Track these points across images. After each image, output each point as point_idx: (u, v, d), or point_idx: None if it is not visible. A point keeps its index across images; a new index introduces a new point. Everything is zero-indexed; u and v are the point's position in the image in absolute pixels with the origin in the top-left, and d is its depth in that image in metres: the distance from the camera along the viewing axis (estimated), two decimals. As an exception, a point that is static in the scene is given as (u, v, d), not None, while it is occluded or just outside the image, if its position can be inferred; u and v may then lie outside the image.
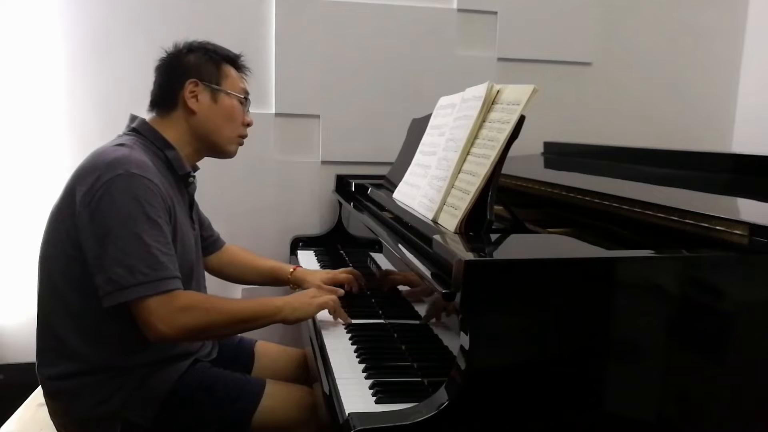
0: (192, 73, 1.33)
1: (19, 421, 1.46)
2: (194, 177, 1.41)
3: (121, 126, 1.37)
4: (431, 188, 1.28)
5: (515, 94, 1.12)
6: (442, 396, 0.86)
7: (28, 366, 1.38)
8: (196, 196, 1.47)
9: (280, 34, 2.18)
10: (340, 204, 2.18)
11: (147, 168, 1.20)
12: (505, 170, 1.13)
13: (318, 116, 2.26)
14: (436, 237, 1.05)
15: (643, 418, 0.95)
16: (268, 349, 1.63)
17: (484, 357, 0.86)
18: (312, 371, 1.35)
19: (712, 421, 0.98)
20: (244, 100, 1.40)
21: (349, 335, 1.30)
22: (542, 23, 2.38)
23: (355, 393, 1.02)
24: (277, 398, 1.33)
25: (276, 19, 2.17)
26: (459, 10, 2.31)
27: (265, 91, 2.20)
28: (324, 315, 1.36)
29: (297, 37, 2.19)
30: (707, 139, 2.58)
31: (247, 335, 1.53)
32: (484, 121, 1.18)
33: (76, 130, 2.11)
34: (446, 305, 1.04)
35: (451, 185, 1.19)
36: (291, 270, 1.62)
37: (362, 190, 1.88)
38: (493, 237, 1.07)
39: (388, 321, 1.38)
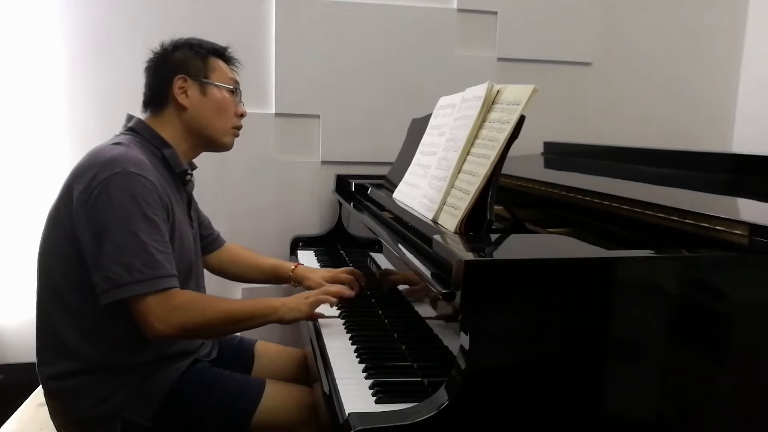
0: (179, 70, 1.33)
1: (19, 421, 1.46)
2: (191, 175, 1.41)
3: (120, 126, 1.37)
4: (431, 188, 1.28)
5: (515, 94, 1.12)
6: (442, 396, 0.86)
7: (28, 366, 1.38)
8: (197, 196, 1.47)
9: (280, 34, 2.18)
10: (340, 204, 2.18)
11: (144, 166, 1.20)
12: (505, 170, 1.13)
13: (318, 116, 2.26)
14: (436, 237, 1.05)
15: (643, 418, 0.95)
16: (268, 349, 1.63)
17: (484, 357, 0.86)
18: (312, 371, 1.35)
19: (712, 421, 0.98)
20: (235, 91, 1.40)
21: (349, 335, 1.30)
22: (542, 23, 2.38)
23: (355, 393, 1.02)
24: (276, 398, 1.33)
25: (276, 19, 2.17)
26: (459, 10, 2.31)
27: (265, 91, 2.20)
28: (324, 315, 1.36)
29: (297, 37, 2.19)
30: (707, 139, 2.58)
31: (247, 335, 1.54)
32: (484, 121, 1.18)
33: (76, 130, 2.11)
34: (446, 305, 1.03)
35: (451, 185, 1.19)
36: (292, 267, 1.62)
37: (362, 190, 1.88)
38: (493, 237, 1.07)
39: (388, 321, 1.38)
